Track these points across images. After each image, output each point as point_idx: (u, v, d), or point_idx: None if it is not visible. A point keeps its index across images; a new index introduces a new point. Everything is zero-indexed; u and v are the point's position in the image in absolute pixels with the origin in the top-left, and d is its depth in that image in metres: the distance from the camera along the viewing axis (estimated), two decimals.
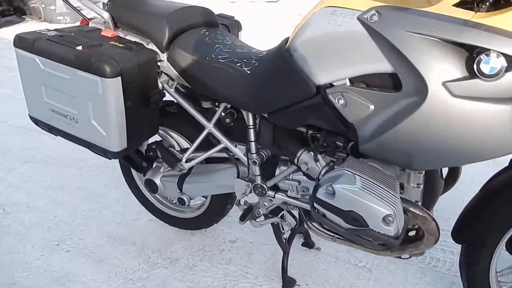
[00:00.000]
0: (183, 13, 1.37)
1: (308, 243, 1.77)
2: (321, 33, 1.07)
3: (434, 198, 1.28)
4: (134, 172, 1.78)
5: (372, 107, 1.03)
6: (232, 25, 1.66)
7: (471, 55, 0.88)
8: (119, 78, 1.17)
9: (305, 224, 1.39)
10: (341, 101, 1.07)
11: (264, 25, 5.51)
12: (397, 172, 1.18)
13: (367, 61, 1.00)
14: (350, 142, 1.17)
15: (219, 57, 1.30)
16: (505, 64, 0.84)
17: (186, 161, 1.49)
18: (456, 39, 0.87)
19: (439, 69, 0.89)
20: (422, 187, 1.19)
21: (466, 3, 0.99)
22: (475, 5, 0.96)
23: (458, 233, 1.27)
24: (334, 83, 1.09)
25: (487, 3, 0.95)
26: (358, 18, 1.00)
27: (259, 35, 4.68)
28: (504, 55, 0.83)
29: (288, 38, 1.25)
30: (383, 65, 0.98)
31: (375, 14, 0.97)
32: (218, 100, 1.38)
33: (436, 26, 0.89)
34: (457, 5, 0.95)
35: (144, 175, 1.64)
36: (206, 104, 1.40)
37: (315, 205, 1.09)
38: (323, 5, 1.08)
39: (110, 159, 1.30)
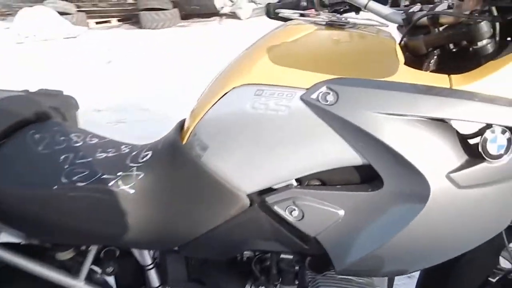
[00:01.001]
0: None
1: None
2: (245, 123, 0.73)
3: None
4: None
5: (341, 212, 0.73)
6: (65, 106, 1.13)
7: (468, 133, 0.69)
8: None
9: None
10: (295, 212, 0.74)
11: (73, 68, 4.69)
12: None
13: (325, 154, 0.71)
14: (307, 256, 0.85)
15: (74, 178, 0.79)
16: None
17: None
18: (452, 117, 0.65)
19: (438, 158, 0.66)
20: None
21: (412, 57, 0.80)
22: (424, 60, 0.79)
23: None
24: (275, 186, 0.76)
25: (435, 57, 0.77)
26: (302, 99, 0.69)
27: (70, 83, 3.92)
28: (509, 128, 0.65)
29: (182, 125, 0.85)
30: (349, 158, 0.70)
31: (329, 93, 0.67)
32: (85, 243, 0.86)
33: (418, 102, 0.65)
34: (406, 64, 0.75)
35: None
36: (63, 255, 0.86)
37: None
38: (238, 82, 0.73)
39: None
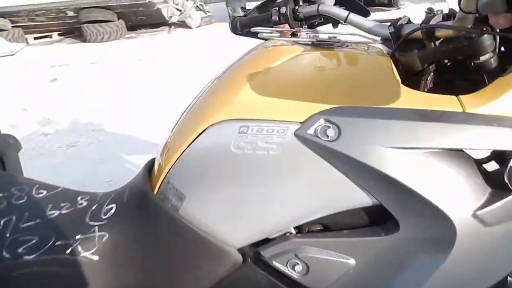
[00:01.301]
0: None
1: None
2: (229, 166, 0.62)
3: None
4: None
5: (351, 262, 0.63)
6: (3, 148, 0.96)
7: (480, 158, 0.61)
8: None
9: None
10: (299, 267, 0.64)
11: (13, 89, 4.31)
12: None
13: (328, 197, 0.61)
14: None
15: (20, 250, 0.63)
16: None
17: None
18: (472, 147, 0.57)
19: (461, 195, 0.58)
20: None
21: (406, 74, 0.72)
22: (420, 78, 0.71)
23: None
24: (271, 237, 0.65)
25: (431, 74, 0.70)
26: (296, 135, 0.58)
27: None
28: None
29: (150, 167, 0.72)
30: (357, 199, 0.61)
31: (328, 127, 0.57)
32: None
33: (432, 132, 0.57)
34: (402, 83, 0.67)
35: None
36: None
37: None
38: (217, 118, 0.62)
39: None
